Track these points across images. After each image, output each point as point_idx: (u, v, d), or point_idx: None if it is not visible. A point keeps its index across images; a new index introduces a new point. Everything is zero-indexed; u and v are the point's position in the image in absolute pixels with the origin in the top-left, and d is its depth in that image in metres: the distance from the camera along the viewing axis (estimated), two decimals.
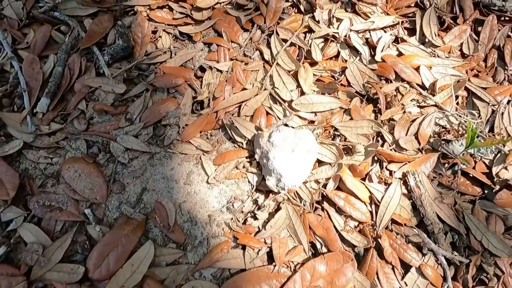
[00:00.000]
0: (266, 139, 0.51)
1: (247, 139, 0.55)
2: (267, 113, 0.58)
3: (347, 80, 0.62)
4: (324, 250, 0.49)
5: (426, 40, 0.68)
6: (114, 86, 0.58)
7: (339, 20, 0.68)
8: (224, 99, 0.58)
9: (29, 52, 0.58)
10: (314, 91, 0.61)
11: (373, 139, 0.57)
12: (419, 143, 0.56)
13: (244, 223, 0.51)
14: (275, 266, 0.47)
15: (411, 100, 0.61)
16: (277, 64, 0.62)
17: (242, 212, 0.52)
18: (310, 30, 0.68)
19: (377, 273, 0.48)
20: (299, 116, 0.58)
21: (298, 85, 0.60)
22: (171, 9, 0.66)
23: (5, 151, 0.51)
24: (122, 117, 0.56)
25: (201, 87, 0.60)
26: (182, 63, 0.62)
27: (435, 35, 0.67)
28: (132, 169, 0.53)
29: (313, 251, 0.50)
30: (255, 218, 0.51)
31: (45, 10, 0.61)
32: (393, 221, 0.51)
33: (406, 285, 0.47)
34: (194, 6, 0.65)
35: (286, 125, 0.56)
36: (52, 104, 0.56)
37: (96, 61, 0.59)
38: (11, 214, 0.48)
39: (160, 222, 0.49)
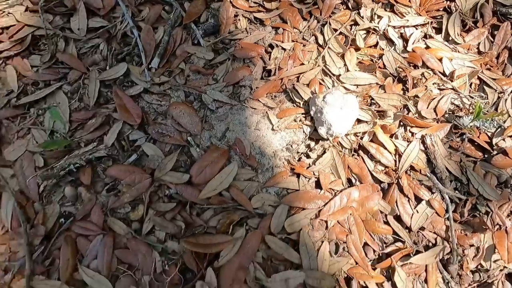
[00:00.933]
0: (321, 99, 0.68)
1: (303, 100, 0.73)
2: (320, 83, 0.75)
3: (383, 63, 0.79)
4: (358, 184, 0.66)
5: (450, 38, 0.83)
6: (205, 53, 0.77)
7: (379, 17, 0.85)
8: (286, 70, 0.76)
9: (145, 23, 0.78)
10: (356, 70, 0.78)
11: (400, 110, 0.74)
12: (436, 115, 0.72)
13: (299, 160, 0.69)
14: (321, 189, 0.65)
15: (433, 84, 0.77)
16: (329, 47, 0.80)
17: (298, 152, 0.69)
18: (356, 23, 0.84)
19: (396, 202, 0.64)
20: (345, 87, 0.75)
21: (345, 64, 0.77)
22: None
23: (130, 92, 0.71)
24: (210, 77, 0.75)
25: (269, 60, 0.78)
26: (255, 41, 0.80)
27: (458, 35, 0.83)
28: (218, 114, 0.72)
29: (349, 185, 0.67)
30: (308, 157, 0.68)
31: None
32: (411, 167, 0.67)
33: (417, 212, 0.63)
34: None
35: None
36: (161, 63, 0.75)
37: (193, 34, 0.78)
38: (137, 135, 0.67)
39: (240, 152, 0.67)
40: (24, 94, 0.71)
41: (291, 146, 0.69)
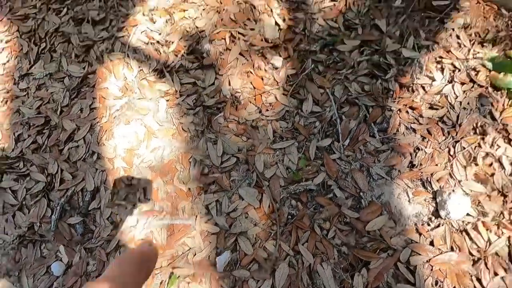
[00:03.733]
0: (446, 194, 1.12)
1: (433, 189, 1.18)
2: (446, 182, 1.19)
3: (493, 180, 1.19)
4: (458, 252, 1.09)
5: None
6: (376, 143, 1.27)
7: (498, 146, 1.24)
8: (425, 166, 1.22)
9: (344, 116, 1.32)
10: (473, 179, 1.19)
11: (498, 215, 1.13)
12: None
13: (422, 225, 1.14)
14: (433, 246, 1.09)
15: None
16: (456, 159, 1.23)
17: (422, 220, 1.15)
18: (479, 146, 1.25)
19: (480, 270, 1.05)
20: (463, 190, 1.18)
21: (466, 174, 1.20)
22: None
23: (331, 156, 1.26)
24: (376, 158, 1.25)
25: (415, 157, 1.25)
26: (408, 142, 1.27)
27: None
28: (377, 182, 1.22)
29: (451, 250, 1.10)
30: (428, 225, 1.13)
31: None
32: (496, 253, 1.07)
33: (493, 281, 1.03)
34: None
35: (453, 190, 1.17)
36: (350, 143, 1.28)
37: (371, 129, 1.30)
38: (331, 182, 1.22)
39: (387, 209, 1.16)
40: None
41: (419, 215, 1.15)
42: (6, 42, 1.60)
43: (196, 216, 1.17)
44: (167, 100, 1.39)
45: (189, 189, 1.22)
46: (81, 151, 1.30)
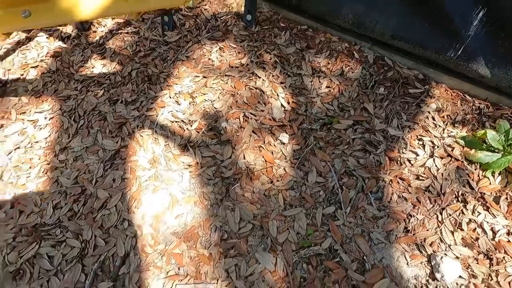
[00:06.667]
0: (439, 258, 1.28)
1: (427, 253, 1.33)
2: (438, 246, 1.35)
3: (478, 244, 1.35)
4: None
5: None
6: (373, 210, 1.46)
7: (479, 212, 1.44)
8: (418, 232, 1.39)
9: (344, 186, 1.53)
10: (461, 243, 1.36)
11: (486, 276, 1.27)
12: (509, 286, 1.24)
13: (421, 287, 1.27)
14: None
15: (510, 266, 1.30)
16: (444, 225, 1.41)
17: (420, 282, 1.27)
18: (462, 213, 1.45)
19: None
20: (453, 253, 1.33)
21: (454, 238, 1.37)
22: None
23: (335, 222, 1.43)
24: (375, 224, 1.43)
25: (409, 223, 1.43)
26: (402, 209, 1.47)
27: None
28: (378, 247, 1.37)
29: None
30: (426, 287, 1.26)
31: None
32: None
33: None
34: None
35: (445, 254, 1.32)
36: (351, 210, 1.47)
37: (368, 197, 1.50)
38: (332, 243, 1.37)
39: (389, 272, 1.30)
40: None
41: (417, 277, 1.29)
42: (50, 119, 1.85)
43: (218, 280, 1.28)
44: (190, 172, 1.60)
45: (211, 253, 1.35)
46: (113, 218, 1.45)
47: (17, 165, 1.66)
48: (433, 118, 1.74)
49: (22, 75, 2.04)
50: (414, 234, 1.38)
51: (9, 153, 1.71)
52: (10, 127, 1.81)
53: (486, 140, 1.56)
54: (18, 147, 1.73)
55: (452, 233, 1.38)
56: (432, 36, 1.75)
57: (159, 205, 1.50)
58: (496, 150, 1.53)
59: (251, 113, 1.79)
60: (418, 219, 1.42)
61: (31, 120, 1.84)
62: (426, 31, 1.76)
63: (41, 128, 1.81)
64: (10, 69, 2.07)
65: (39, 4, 1.33)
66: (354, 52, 2.03)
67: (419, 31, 1.78)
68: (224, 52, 2.11)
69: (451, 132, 1.68)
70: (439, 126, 1.70)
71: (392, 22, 1.83)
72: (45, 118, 1.86)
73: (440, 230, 1.39)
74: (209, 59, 2.08)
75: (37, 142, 1.76)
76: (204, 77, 1.98)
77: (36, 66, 2.09)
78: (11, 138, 1.76)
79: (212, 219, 1.45)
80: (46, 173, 1.64)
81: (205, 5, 2.42)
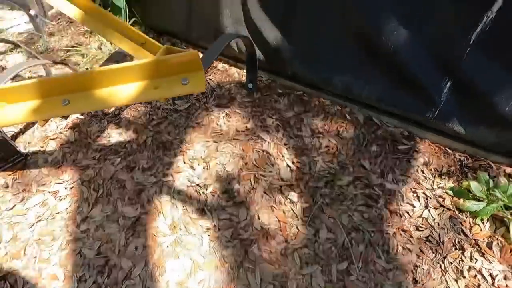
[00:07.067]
0: None
1: None
2: None
3: None
4: None
5: None
6: None
7: (476, 259, 1.58)
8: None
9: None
10: None
11: None
12: None
13: None
14: None
15: None
16: (445, 279, 1.54)
17: None
18: (462, 260, 1.59)
19: None
20: None
21: (458, 286, 1.49)
22: None
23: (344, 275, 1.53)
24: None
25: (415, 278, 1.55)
26: (407, 263, 1.60)
27: None
28: None
29: None
30: None
31: None
32: None
33: None
34: None
35: None
36: (363, 266, 1.59)
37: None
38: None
39: None
40: None
41: None
42: (70, 189, 1.95)
43: None
44: (209, 235, 1.70)
45: None
46: None
47: (39, 238, 1.72)
48: (422, 171, 1.96)
49: (42, 147, 2.18)
50: (422, 285, 1.49)
51: (32, 226, 1.77)
52: (31, 199, 1.89)
53: (471, 190, 1.77)
54: (40, 220, 1.80)
55: (456, 281, 1.50)
56: (412, 101, 2.04)
57: (181, 271, 1.57)
58: (481, 199, 1.74)
59: (260, 174, 1.96)
60: (423, 269, 1.55)
61: (51, 191, 1.93)
62: (406, 97, 2.05)
63: (61, 199, 1.90)
64: (30, 142, 2.21)
65: (77, 93, 1.51)
66: (346, 114, 2.30)
67: (400, 96, 2.08)
68: (230, 117, 2.34)
69: (440, 183, 1.89)
70: (429, 178, 1.92)
71: (377, 90, 2.13)
72: (65, 188, 1.96)
73: (445, 279, 1.51)
74: (217, 124, 2.30)
75: (58, 213, 1.84)
76: (215, 141, 2.17)
77: (55, 138, 2.23)
78: (33, 211, 1.84)
79: (234, 282, 1.53)
80: (68, 244, 1.70)
81: (210, 75, 2.71)
